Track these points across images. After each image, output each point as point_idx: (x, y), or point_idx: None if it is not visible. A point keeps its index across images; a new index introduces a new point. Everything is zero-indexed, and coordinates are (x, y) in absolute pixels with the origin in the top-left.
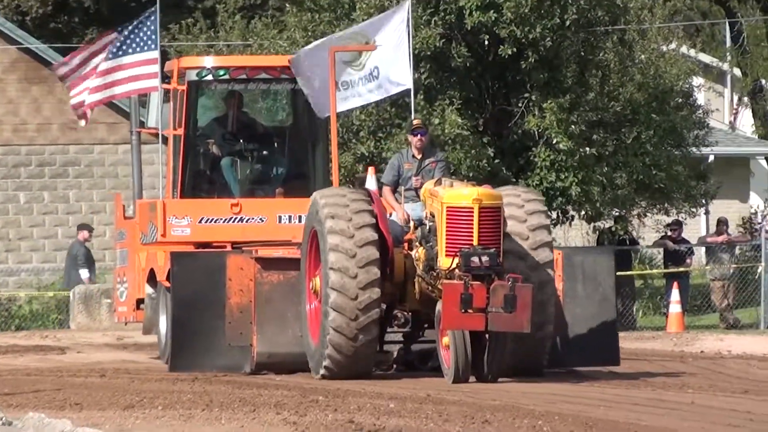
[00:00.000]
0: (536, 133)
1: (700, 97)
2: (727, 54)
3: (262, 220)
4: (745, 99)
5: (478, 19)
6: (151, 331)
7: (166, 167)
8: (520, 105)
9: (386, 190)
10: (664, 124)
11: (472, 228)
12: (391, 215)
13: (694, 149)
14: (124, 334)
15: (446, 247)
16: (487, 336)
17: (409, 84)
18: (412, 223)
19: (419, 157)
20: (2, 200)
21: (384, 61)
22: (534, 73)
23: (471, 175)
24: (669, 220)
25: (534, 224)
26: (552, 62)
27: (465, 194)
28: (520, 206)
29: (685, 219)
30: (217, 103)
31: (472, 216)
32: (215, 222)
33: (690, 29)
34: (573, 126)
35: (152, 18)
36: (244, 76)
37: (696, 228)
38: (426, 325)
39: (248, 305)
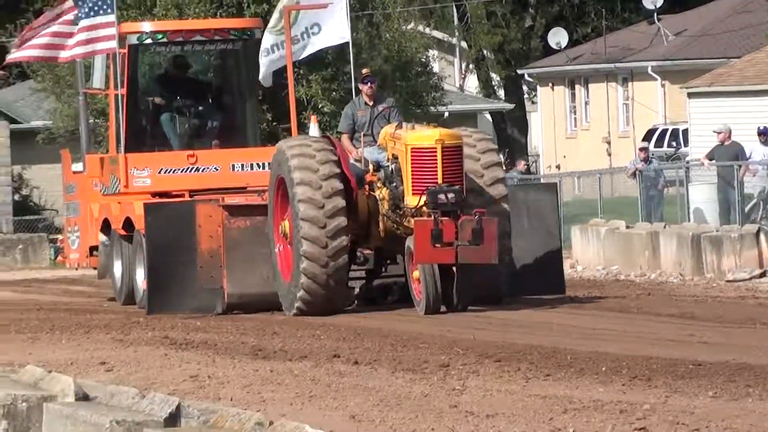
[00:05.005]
0: (305, 99)
1: (435, 66)
2: (456, 30)
3: (217, 169)
4: (471, 66)
5: (254, 11)
6: (106, 275)
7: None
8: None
9: (344, 137)
10: (408, 89)
11: (436, 167)
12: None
13: (432, 108)
14: None
15: (413, 186)
16: (454, 268)
17: (347, 38)
18: (371, 166)
19: (371, 104)
20: None
21: (319, 16)
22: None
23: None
24: None
25: (487, 162)
26: None
27: (427, 135)
28: (472, 146)
29: None
30: (156, 63)
31: (436, 156)
32: (173, 172)
33: (425, 11)
34: (334, 93)
35: None
36: (180, 39)
37: None
38: (388, 262)
39: (218, 250)
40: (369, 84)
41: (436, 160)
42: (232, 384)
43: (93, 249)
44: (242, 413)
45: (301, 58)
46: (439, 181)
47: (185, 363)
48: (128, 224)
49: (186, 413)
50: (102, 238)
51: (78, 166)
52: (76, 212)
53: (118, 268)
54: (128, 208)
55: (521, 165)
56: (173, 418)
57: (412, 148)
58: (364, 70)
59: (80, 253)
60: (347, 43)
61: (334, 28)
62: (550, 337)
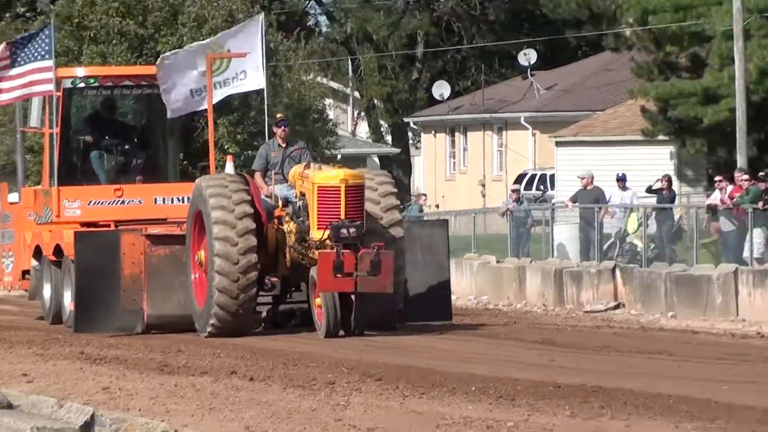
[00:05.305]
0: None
1: (331, 113)
2: (350, 81)
3: (141, 202)
4: (362, 113)
5: None
6: (36, 297)
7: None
8: (201, 121)
9: (257, 175)
10: (306, 134)
11: (339, 204)
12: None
13: (327, 151)
14: None
15: (318, 221)
16: (352, 297)
17: (262, 84)
18: (280, 202)
19: (284, 145)
20: None
21: (245, 64)
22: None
23: None
24: None
25: (387, 205)
26: None
27: (333, 175)
28: (374, 189)
29: None
30: (89, 105)
31: (340, 194)
32: (102, 204)
33: (323, 64)
34: (239, 135)
35: (47, 32)
36: (110, 83)
37: None
38: (293, 289)
39: (139, 275)
40: (282, 127)
41: (340, 197)
42: (141, 396)
43: (25, 273)
44: (150, 422)
45: (218, 100)
46: (342, 216)
47: (98, 376)
48: (58, 251)
49: (99, 422)
50: (34, 263)
51: (14, 197)
52: (11, 239)
53: (47, 290)
54: (58, 235)
55: (422, 200)
56: (88, 426)
57: (318, 187)
58: (279, 115)
59: (13, 276)
60: (262, 89)
61: (252, 76)
62: (427, 360)
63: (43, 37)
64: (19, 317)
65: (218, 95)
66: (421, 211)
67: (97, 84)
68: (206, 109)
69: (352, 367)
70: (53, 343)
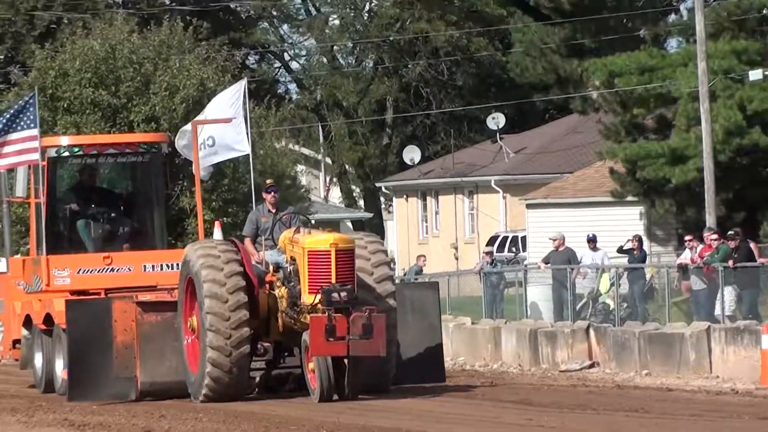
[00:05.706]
0: (188, 208)
1: (303, 179)
2: (321, 147)
3: (130, 269)
4: (334, 179)
5: (143, 129)
6: (27, 366)
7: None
8: (176, 189)
9: (247, 240)
10: (279, 200)
11: (330, 268)
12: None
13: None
14: None
15: (309, 285)
16: (345, 360)
17: (247, 150)
18: (271, 267)
19: (274, 211)
20: None
21: (219, 130)
22: (183, 167)
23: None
24: None
25: (380, 276)
26: None
27: (322, 239)
28: (367, 259)
29: None
30: (73, 174)
31: (330, 258)
32: (91, 272)
33: (294, 131)
34: (214, 202)
35: (31, 101)
36: (95, 152)
37: None
38: (286, 354)
39: (132, 342)
40: (272, 193)
41: (330, 262)
42: None
43: (16, 342)
44: None
45: (210, 165)
46: (333, 280)
47: None
48: (48, 319)
49: None
50: (24, 332)
51: (1, 267)
52: (1, 309)
53: (38, 359)
54: (48, 304)
55: (421, 261)
56: None
57: (308, 251)
58: (268, 181)
59: (4, 345)
60: (247, 154)
61: (231, 141)
62: (407, 421)
63: (27, 106)
64: (5, 385)
65: (209, 162)
66: (420, 272)
67: (81, 152)
68: (191, 168)
69: (332, 430)
70: (37, 410)
